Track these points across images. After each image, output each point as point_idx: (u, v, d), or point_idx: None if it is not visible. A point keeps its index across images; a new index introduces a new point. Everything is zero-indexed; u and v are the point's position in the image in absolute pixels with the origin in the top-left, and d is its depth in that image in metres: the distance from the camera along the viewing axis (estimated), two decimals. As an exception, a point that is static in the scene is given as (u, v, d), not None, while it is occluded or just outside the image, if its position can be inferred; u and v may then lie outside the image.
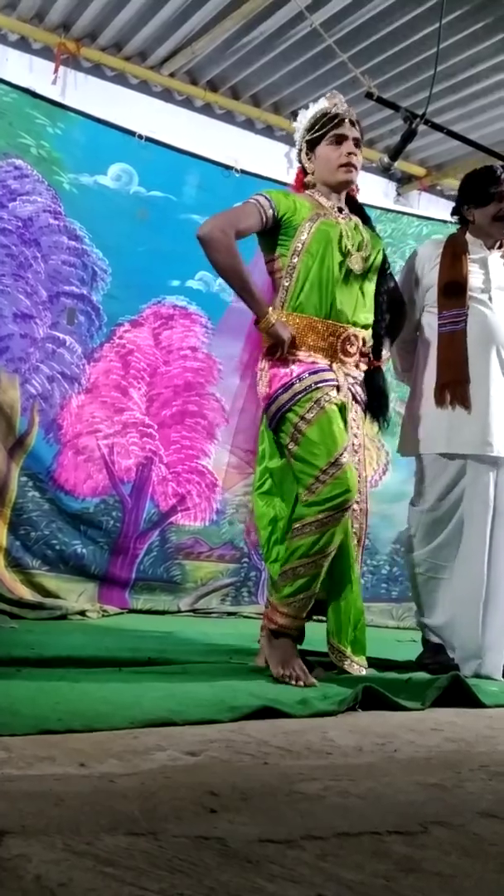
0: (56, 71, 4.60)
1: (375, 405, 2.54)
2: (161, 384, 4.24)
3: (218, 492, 4.34)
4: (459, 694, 2.15)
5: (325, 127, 2.41)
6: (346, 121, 2.40)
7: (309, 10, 3.99)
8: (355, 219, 2.49)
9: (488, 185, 2.78)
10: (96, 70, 4.77)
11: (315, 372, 2.32)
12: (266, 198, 2.39)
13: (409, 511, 2.88)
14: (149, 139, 4.05)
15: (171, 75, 4.90)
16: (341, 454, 2.26)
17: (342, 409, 2.35)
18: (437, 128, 2.49)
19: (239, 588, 4.28)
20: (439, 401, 2.72)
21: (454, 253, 2.79)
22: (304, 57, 4.68)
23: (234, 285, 2.35)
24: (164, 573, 4.17)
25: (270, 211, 2.36)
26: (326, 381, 2.33)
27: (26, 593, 3.58)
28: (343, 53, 4.02)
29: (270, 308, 2.33)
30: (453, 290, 2.73)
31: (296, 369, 2.33)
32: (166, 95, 5.02)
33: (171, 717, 1.67)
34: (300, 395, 2.29)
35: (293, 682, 2.16)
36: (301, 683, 2.16)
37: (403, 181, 6.00)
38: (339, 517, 2.25)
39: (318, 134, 2.42)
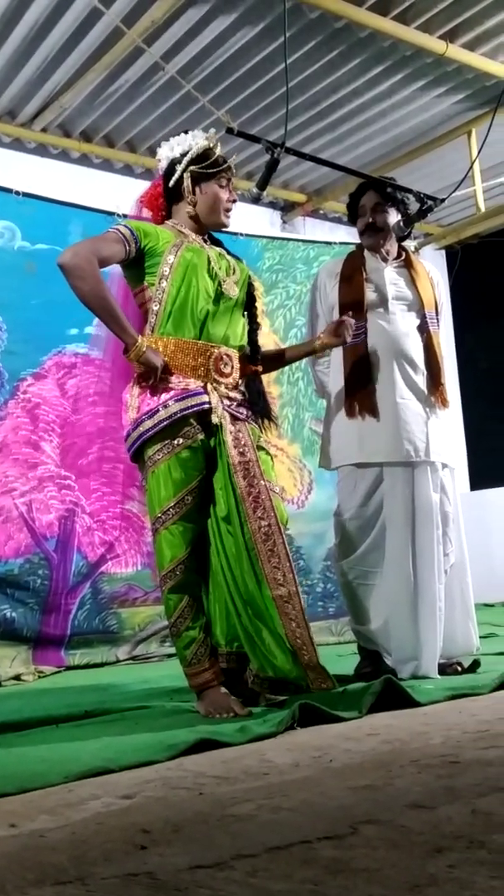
0: None
1: (256, 408, 2.50)
2: (73, 434, 4.20)
3: (146, 534, 4.31)
4: (396, 697, 2.19)
5: (216, 167, 2.43)
6: (231, 168, 2.47)
7: (166, 56, 4.10)
8: (217, 248, 2.54)
9: (355, 201, 2.92)
10: (-33, 133, 4.79)
11: (182, 398, 2.32)
12: (128, 228, 2.37)
13: (334, 521, 2.94)
14: (27, 194, 4.06)
15: (44, 130, 4.94)
16: (164, 512, 2.31)
17: (204, 443, 2.35)
18: (299, 154, 2.59)
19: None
20: (349, 413, 2.81)
21: (351, 270, 2.90)
22: (172, 100, 4.79)
23: (100, 314, 2.30)
24: (100, 625, 4.10)
25: (133, 241, 2.35)
26: (194, 406, 2.33)
27: (-44, 667, 3.48)
28: (207, 93, 4.15)
29: (140, 336, 2.32)
30: (352, 305, 2.83)
31: (164, 396, 2.32)
32: (41, 150, 5.06)
33: (108, 766, 1.64)
34: (163, 423, 2.30)
35: (225, 715, 2.16)
36: (232, 715, 2.16)
37: (287, 209, 6.17)
38: (174, 577, 2.31)
39: (209, 171, 2.43)
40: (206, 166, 2.42)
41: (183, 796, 1.38)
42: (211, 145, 2.46)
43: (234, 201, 2.48)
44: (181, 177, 2.44)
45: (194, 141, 2.46)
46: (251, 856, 1.03)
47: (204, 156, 2.44)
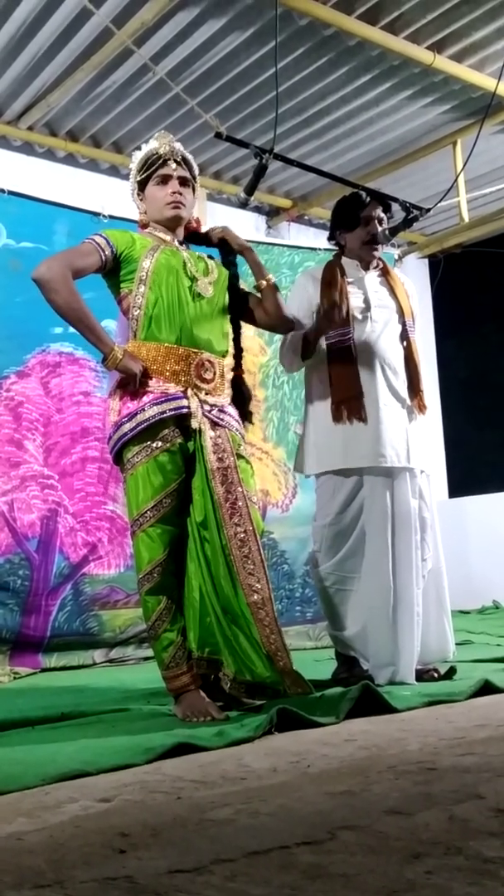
0: None
1: (242, 410, 2.53)
2: (57, 433, 4.17)
3: (129, 536, 4.28)
4: (373, 702, 2.20)
5: (151, 167, 2.46)
6: (171, 161, 2.45)
7: (156, 58, 4.10)
8: (198, 251, 2.55)
9: (356, 209, 2.91)
10: (-48, 129, 4.76)
11: (160, 402, 2.33)
12: (103, 237, 2.40)
13: (313, 527, 2.96)
14: (12, 192, 4.04)
15: (30, 128, 4.92)
16: (142, 515, 2.32)
17: (183, 447, 2.36)
18: (287, 161, 2.60)
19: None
20: (336, 417, 2.81)
21: (331, 277, 2.90)
22: (160, 102, 4.79)
23: (75, 325, 2.33)
24: (81, 626, 4.07)
25: (109, 249, 2.38)
26: (172, 410, 2.33)
27: None
28: (195, 97, 4.15)
29: (116, 344, 2.34)
30: (335, 312, 2.83)
31: (143, 399, 2.34)
32: (27, 149, 5.04)
33: (85, 769, 1.64)
34: (141, 426, 2.31)
35: (202, 719, 2.17)
36: (209, 719, 2.16)
37: (272, 214, 6.19)
38: (152, 579, 2.32)
39: (145, 175, 2.47)
40: (142, 171, 2.48)
41: (161, 800, 1.38)
42: (156, 150, 2.47)
43: (175, 192, 2.46)
44: (132, 190, 2.53)
45: (142, 152, 2.52)
46: (230, 860, 1.03)
47: (144, 162, 2.49)
